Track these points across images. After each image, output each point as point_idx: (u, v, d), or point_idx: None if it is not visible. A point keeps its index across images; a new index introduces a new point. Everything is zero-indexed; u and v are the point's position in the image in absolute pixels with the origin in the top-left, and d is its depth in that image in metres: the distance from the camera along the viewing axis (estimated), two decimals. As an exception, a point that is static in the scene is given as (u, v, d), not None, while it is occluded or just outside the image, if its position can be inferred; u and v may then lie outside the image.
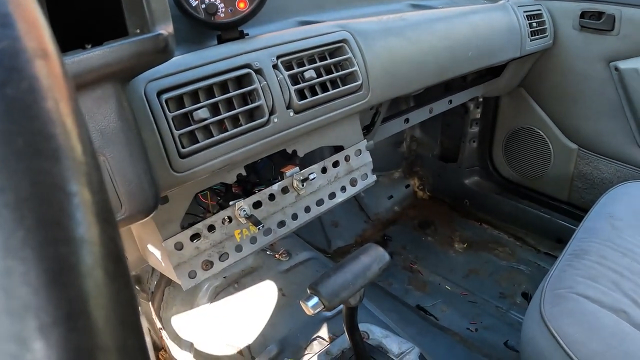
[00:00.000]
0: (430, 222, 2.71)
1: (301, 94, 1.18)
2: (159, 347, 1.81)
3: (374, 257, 1.07)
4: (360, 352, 1.27)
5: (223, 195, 1.26)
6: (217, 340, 1.58)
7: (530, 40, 2.00)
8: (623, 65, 1.94)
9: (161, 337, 1.73)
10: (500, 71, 2.24)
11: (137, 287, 1.82)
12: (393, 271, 2.36)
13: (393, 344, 1.44)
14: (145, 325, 1.79)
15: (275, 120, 1.12)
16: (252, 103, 1.07)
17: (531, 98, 2.35)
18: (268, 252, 1.86)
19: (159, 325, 1.73)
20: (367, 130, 1.67)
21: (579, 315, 1.25)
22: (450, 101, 2.13)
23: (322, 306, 1.00)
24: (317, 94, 1.20)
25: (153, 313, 1.76)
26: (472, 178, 2.74)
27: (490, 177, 2.70)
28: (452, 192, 2.82)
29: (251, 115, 1.10)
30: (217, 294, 1.74)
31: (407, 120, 1.96)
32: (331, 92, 1.23)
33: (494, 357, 1.90)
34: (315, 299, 1.01)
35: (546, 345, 1.24)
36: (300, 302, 1.02)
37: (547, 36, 2.10)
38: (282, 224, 1.29)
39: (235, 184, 1.24)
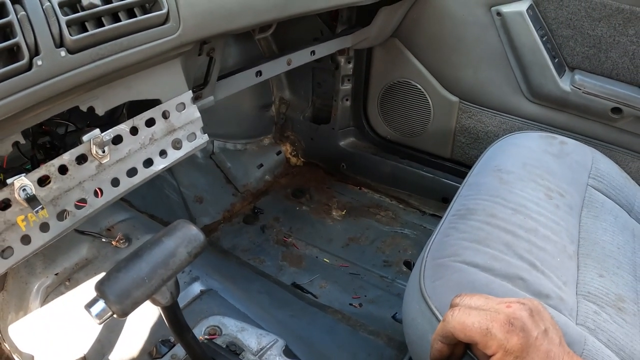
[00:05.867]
0: (304, 189, 2.60)
1: (83, 28, 0.88)
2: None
3: (181, 239, 0.79)
4: (198, 357, 1.01)
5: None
6: (56, 351, 1.37)
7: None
8: (506, 9, 1.86)
9: (3, 350, 1.50)
10: (370, 19, 2.10)
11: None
12: (265, 247, 2.22)
13: (251, 338, 1.27)
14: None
15: (40, 63, 0.81)
16: (6, 41, 0.78)
17: (406, 49, 2.24)
18: (104, 240, 1.57)
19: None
20: (204, 83, 1.42)
21: (467, 289, 1.02)
22: (313, 52, 1.96)
23: (111, 312, 0.74)
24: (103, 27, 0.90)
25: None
26: (348, 139, 2.65)
27: (366, 137, 2.61)
28: (327, 156, 2.72)
29: (13, 58, 0.79)
30: (47, 295, 1.50)
31: (259, 73, 1.75)
32: (123, 23, 0.92)
33: (382, 334, 1.76)
34: (101, 304, 0.73)
35: (430, 329, 1.01)
36: (84, 308, 0.75)
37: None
38: (82, 202, 0.99)
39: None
